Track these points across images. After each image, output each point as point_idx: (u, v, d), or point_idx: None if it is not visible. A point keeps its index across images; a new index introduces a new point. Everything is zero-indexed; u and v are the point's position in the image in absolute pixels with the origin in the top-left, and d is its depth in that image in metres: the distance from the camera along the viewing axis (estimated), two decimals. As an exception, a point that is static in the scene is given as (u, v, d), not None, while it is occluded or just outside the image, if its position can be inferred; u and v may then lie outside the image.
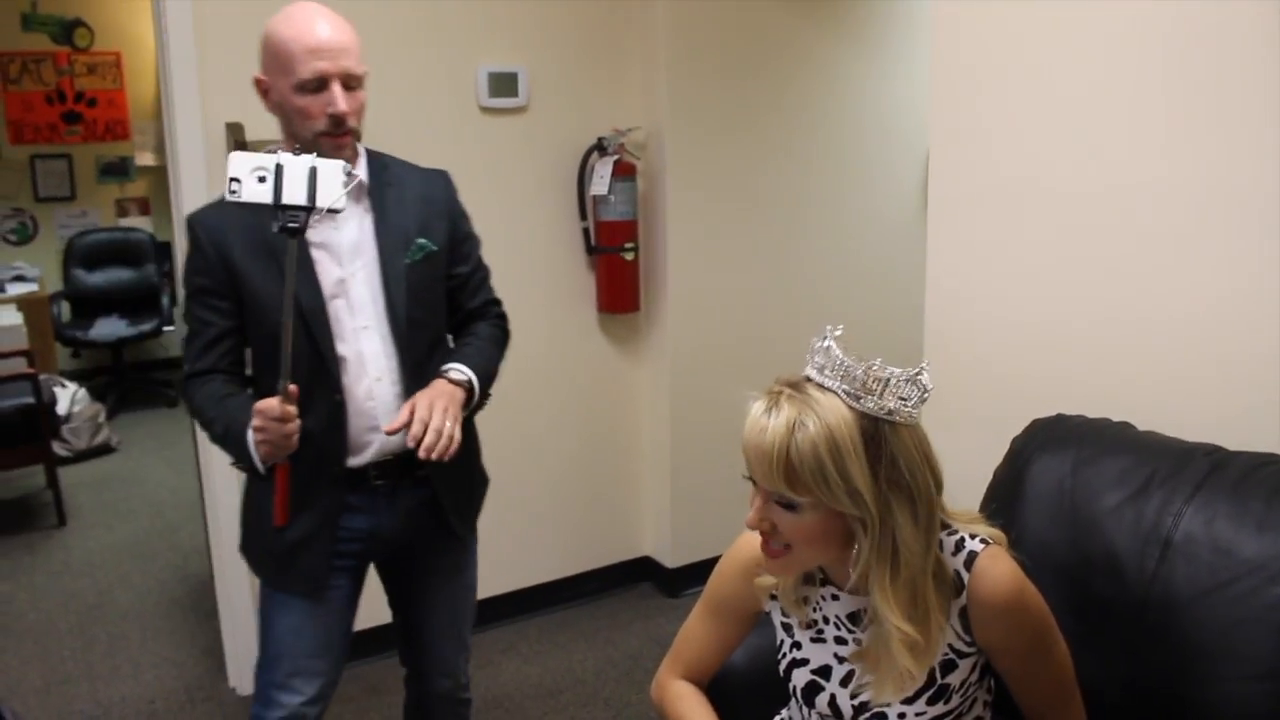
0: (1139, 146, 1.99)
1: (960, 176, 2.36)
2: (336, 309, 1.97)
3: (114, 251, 6.96)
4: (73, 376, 6.40)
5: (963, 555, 1.49)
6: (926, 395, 1.41)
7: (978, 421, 2.31)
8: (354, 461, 2.02)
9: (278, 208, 1.74)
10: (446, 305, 2.15)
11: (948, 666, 1.50)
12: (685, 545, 3.88)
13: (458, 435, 1.91)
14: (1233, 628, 1.57)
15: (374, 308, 2.00)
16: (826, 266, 4.00)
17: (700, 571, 3.86)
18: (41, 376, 4.81)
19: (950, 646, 1.50)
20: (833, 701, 1.57)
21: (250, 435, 1.85)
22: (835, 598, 1.56)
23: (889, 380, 1.37)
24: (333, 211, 1.80)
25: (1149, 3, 1.94)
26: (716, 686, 1.78)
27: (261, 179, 1.74)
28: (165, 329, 6.75)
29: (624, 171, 3.51)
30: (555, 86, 3.49)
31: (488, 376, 2.07)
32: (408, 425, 1.87)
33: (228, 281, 1.96)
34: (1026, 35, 2.16)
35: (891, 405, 1.38)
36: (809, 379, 1.41)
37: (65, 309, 6.76)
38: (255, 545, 2.10)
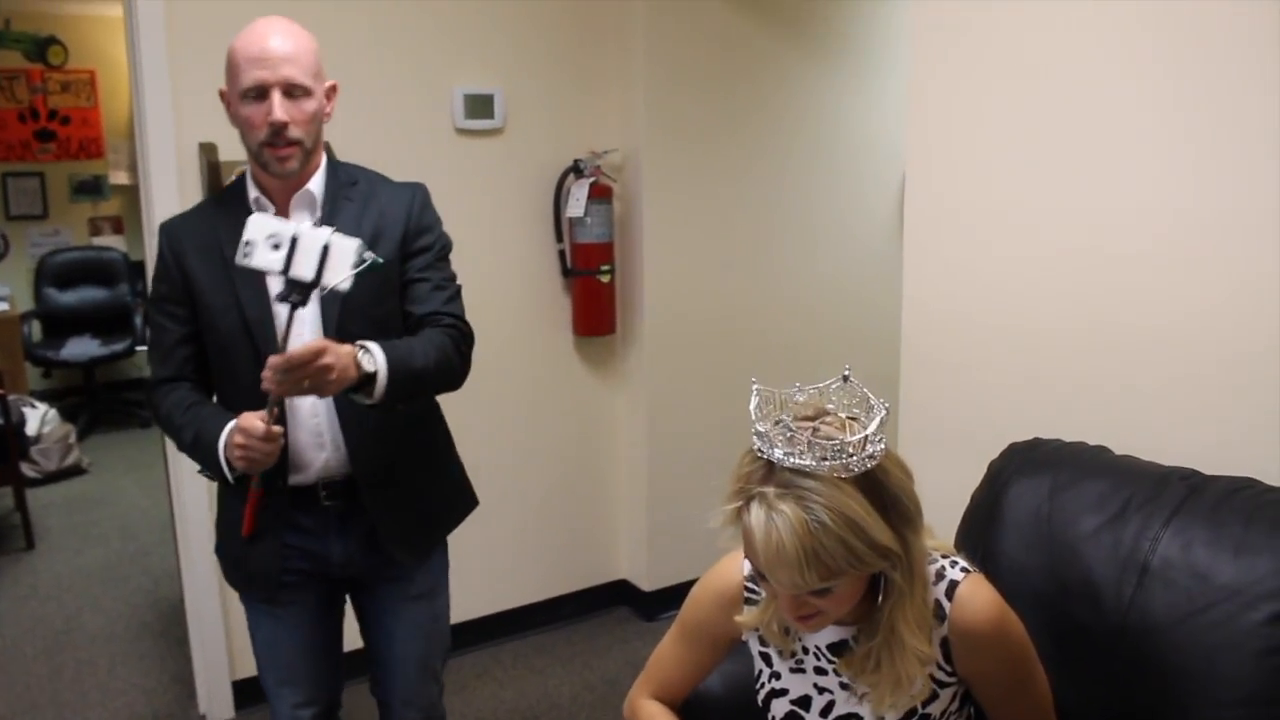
0: (1116, 168, 1.99)
1: (936, 197, 2.36)
2: (280, 320, 1.92)
3: (86, 271, 6.91)
4: (43, 397, 6.33)
5: (943, 585, 1.48)
6: (887, 415, 1.38)
7: (955, 444, 2.31)
8: (298, 479, 2.01)
9: (284, 279, 1.75)
10: (405, 311, 2.07)
11: (928, 698, 1.49)
12: (662, 569, 3.86)
13: (319, 388, 1.77)
14: (1211, 653, 1.56)
15: (316, 321, 1.96)
16: (804, 289, 4.00)
17: (677, 595, 3.81)
18: (11, 397, 4.75)
19: (931, 676, 1.48)
20: None
21: (220, 445, 1.87)
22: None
23: (866, 438, 1.34)
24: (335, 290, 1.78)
25: (1128, 23, 1.95)
26: (693, 715, 1.76)
27: (275, 245, 1.74)
28: (138, 349, 6.67)
29: (600, 194, 3.50)
30: (532, 108, 3.49)
31: (406, 374, 1.87)
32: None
33: (183, 287, 1.99)
34: (1005, 53, 2.17)
35: (874, 450, 1.35)
36: (778, 465, 1.34)
37: (36, 328, 6.70)
38: (222, 547, 2.14)
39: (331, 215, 1.98)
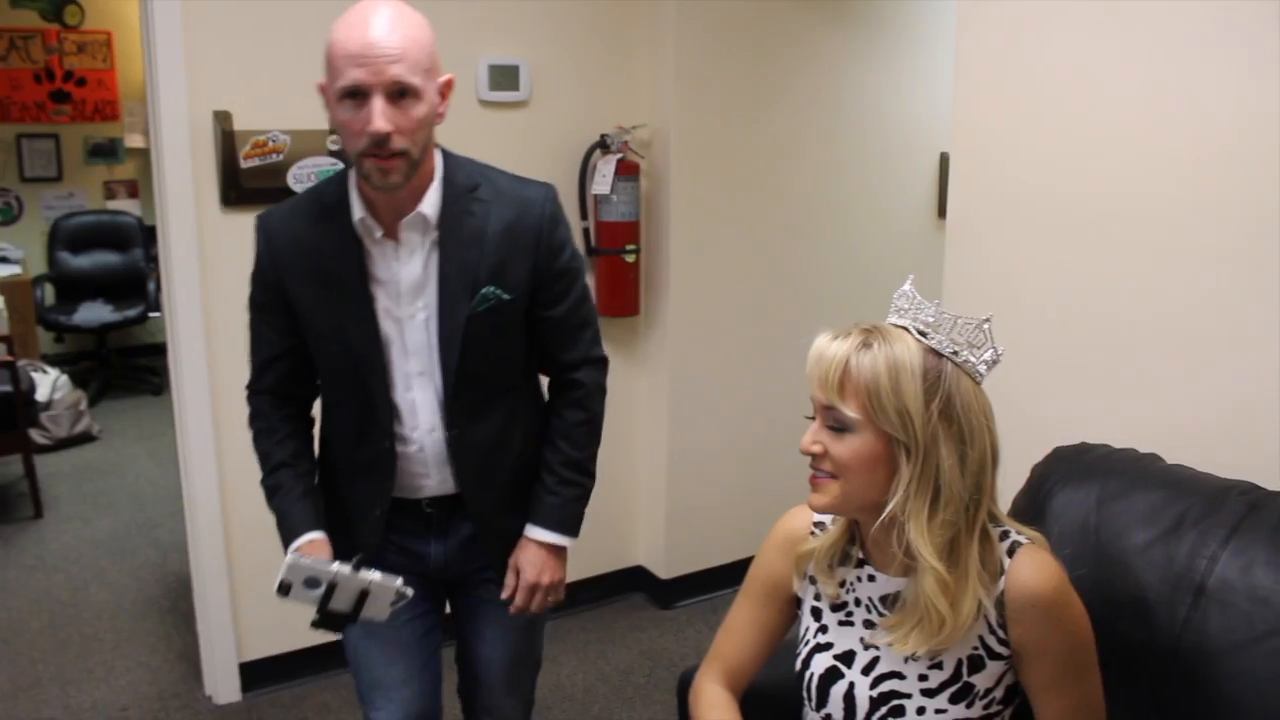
0: (1178, 158, 1.88)
1: (981, 188, 2.27)
2: (392, 353, 1.83)
3: (101, 234, 6.83)
4: (55, 361, 6.28)
5: (1006, 543, 1.48)
6: (996, 356, 1.45)
7: (994, 446, 2.21)
8: (402, 496, 1.95)
9: (321, 612, 1.71)
10: (541, 350, 1.96)
11: (975, 664, 1.45)
12: (680, 556, 3.78)
13: (558, 592, 2.02)
14: (1271, 683, 1.49)
15: (429, 355, 1.83)
16: (835, 272, 3.90)
17: (695, 583, 3.78)
18: (21, 362, 4.69)
19: (981, 640, 1.45)
20: (849, 693, 1.52)
21: (294, 545, 1.84)
22: (873, 579, 1.52)
23: (957, 321, 1.43)
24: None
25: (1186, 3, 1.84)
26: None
27: (313, 584, 1.70)
28: (151, 315, 6.60)
29: (627, 170, 3.40)
30: (558, 80, 3.39)
31: (577, 520, 2.06)
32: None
33: (283, 301, 1.85)
34: (1056, 24, 2.06)
35: (959, 346, 1.42)
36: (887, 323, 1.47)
37: (49, 292, 6.63)
38: None
39: (451, 234, 1.80)
